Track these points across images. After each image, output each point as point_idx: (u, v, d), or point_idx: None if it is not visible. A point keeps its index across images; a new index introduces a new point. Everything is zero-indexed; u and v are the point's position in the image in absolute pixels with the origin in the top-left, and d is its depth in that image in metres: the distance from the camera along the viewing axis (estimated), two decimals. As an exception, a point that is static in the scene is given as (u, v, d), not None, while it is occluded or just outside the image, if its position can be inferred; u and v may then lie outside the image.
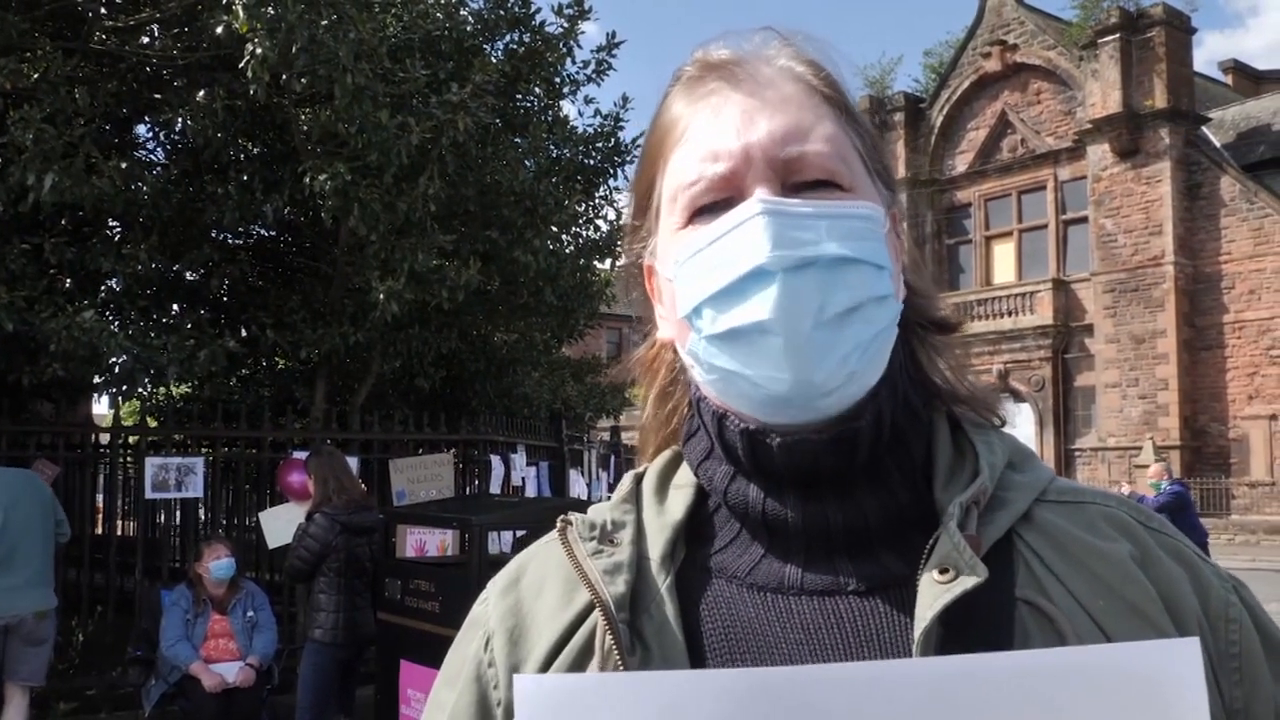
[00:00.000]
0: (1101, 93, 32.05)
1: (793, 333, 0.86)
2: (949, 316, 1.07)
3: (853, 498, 0.93)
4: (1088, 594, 0.88)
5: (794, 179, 0.93)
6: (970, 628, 0.83)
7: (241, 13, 7.62)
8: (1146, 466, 29.13)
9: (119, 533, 12.29)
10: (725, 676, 0.77)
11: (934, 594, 0.85)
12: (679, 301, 0.95)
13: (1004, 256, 36.21)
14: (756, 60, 0.99)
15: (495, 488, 10.98)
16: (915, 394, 0.99)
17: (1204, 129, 32.27)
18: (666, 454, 1.08)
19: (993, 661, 0.74)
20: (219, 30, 7.98)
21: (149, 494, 9.21)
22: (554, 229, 10.98)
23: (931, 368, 1.03)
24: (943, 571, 0.86)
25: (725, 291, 0.89)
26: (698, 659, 0.89)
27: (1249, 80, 42.31)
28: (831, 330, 0.87)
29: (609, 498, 1.06)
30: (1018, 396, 33.76)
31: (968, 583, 0.84)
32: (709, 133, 0.95)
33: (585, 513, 1.02)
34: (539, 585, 1.00)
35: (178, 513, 12.40)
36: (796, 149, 0.93)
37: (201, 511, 11.19)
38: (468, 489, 11.19)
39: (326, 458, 7.41)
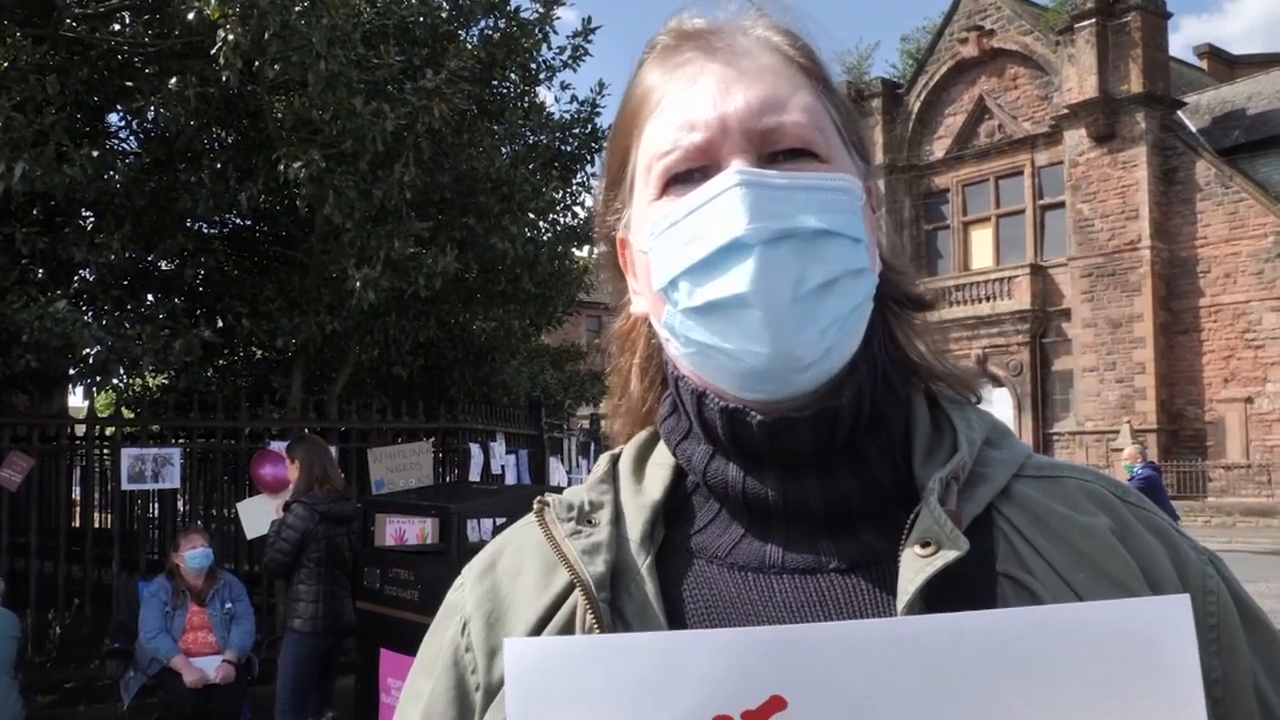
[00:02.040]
0: (1078, 78, 32.15)
1: (771, 305, 0.86)
2: (924, 293, 1.06)
3: (833, 476, 0.93)
4: (1068, 567, 0.88)
5: (771, 149, 0.92)
6: (952, 602, 0.82)
7: (213, -1, 7.56)
8: (1124, 450, 29.47)
9: (95, 525, 12.20)
10: (714, 636, 0.78)
11: (916, 567, 0.84)
12: (654, 274, 0.94)
13: (982, 242, 36.34)
14: (733, 29, 0.98)
15: (474, 476, 10.95)
16: (893, 371, 0.98)
17: (1180, 114, 32.43)
18: (643, 434, 1.07)
19: (977, 620, 0.74)
20: (190, 17, 7.91)
21: (125, 485, 9.14)
22: (531, 216, 10.95)
23: (908, 344, 1.02)
24: (924, 545, 0.85)
25: (702, 264, 0.88)
26: None
27: (1224, 65, 42.51)
28: (810, 303, 0.87)
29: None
30: (996, 381, 33.90)
31: (949, 555, 0.84)
32: (685, 102, 0.94)
33: (561, 494, 1.01)
34: (516, 568, 0.98)
35: (155, 504, 12.39)
36: (774, 119, 0.92)
37: (179, 503, 11.15)
38: (447, 477, 11.17)
39: (314, 446, 7.37)
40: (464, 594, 1.00)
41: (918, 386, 1.01)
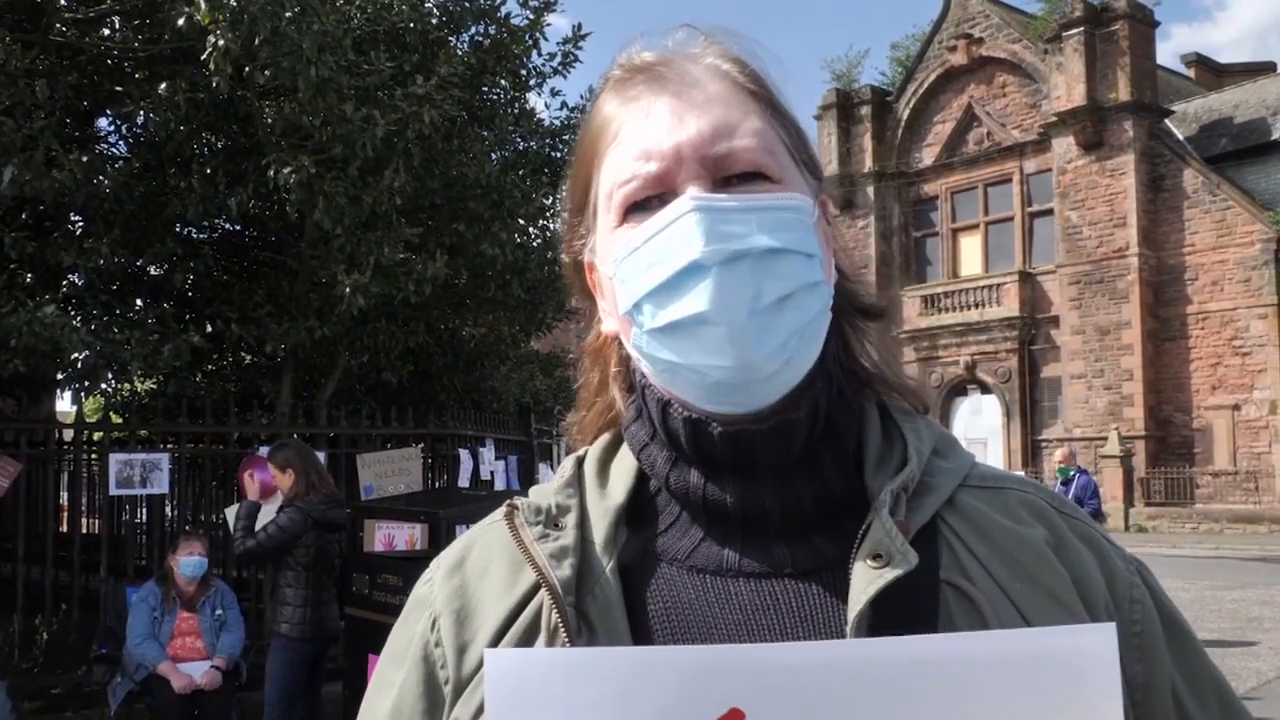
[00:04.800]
0: (1066, 86, 32.30)
1: (730, 322, 0.90)
2: (876, 303, 1.10)
3: (789, 484, 0.97)
4: (1006, 577, 0.93)
5: (724, 174, 0.96)
6: (897, 609, 0.87)
7: (203, 4, 7.56)
8: (1113, 457, 29.59)
9: (83, 530, 12.16)
10: (681, 653, 0.83)
11: (867, 579, 0.88)
12: (620, 298, 0.98)
13: (971, 249, 36.46)
14: (683, 59, 1.02)
15: (464, 482, 10.95)
16: (847, 382, 1.02)
17: (1167, 122, 32.60)
18: (606, 437, 1.11)
19: (922, 644, 0.79)
20: (180, 22, 7.91)
21: (113, 491, 9.12)
22: (521, 222, 10.96)
23: (862, 354, 1.06)
24: (875, 558, 0.89)
25: (663, 287, 0.92)
26: (642, 639, 0.92)
27: (1211, 73, 42.70)
28: (767, 317, 0.91)
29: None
30: (984, 388, 34.03)
31: (899, 570, 0.88)
32: (641, 133, 0.98)
33: (528, 496, 1.05)
34: (483, 567, 1.02)
35: (143, 510, 12.34)
36: (725, 145, 0.96)
37: (168, 508, 11.12)
38: (436, 483, 11.16)
39: (305, 451, 7.35)
40: (433, 589, 1.03)
41: (870, 397, 1.05)
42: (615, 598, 0.94)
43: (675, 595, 0.95)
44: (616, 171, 0.99)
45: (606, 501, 1.02)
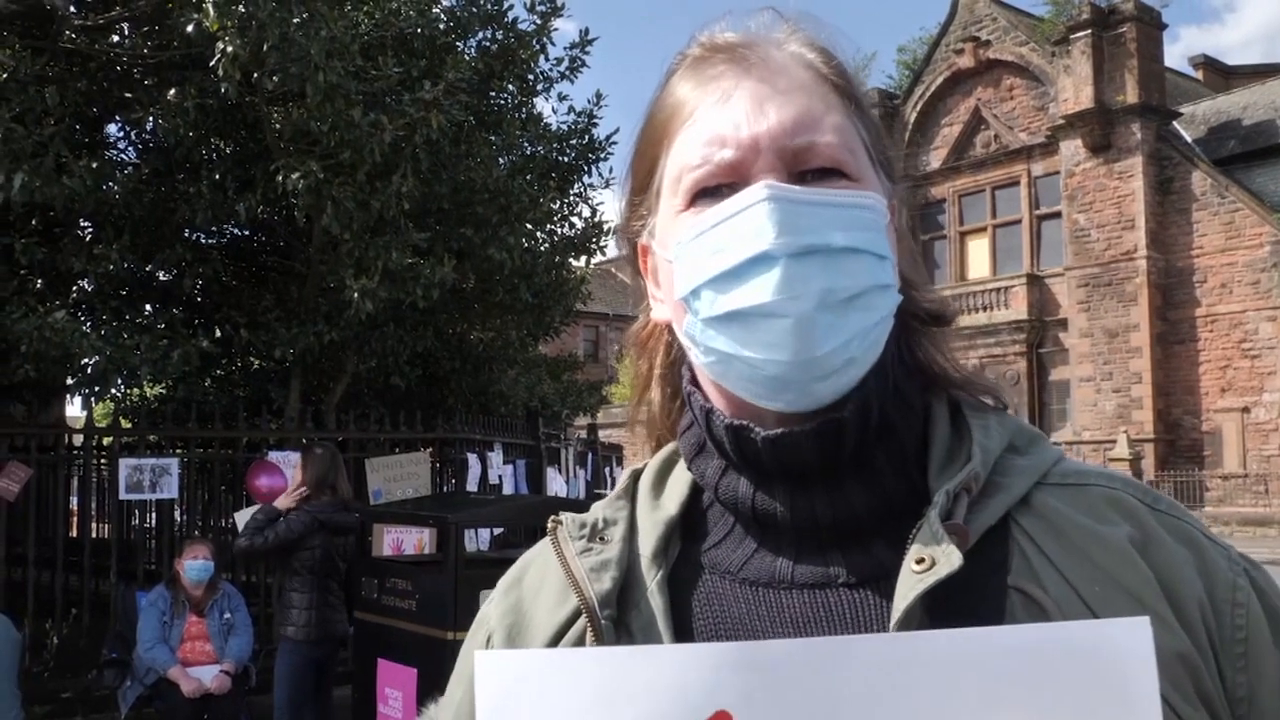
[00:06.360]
0: (1074, 88, 32.23)
1: (795, 314, 0.86)
2: (943, 308, 1.05)
3: (841, 490, 0.93)
4: (1084, 581, 0.86)
5: (801, 168, 0.92)
6: (957, 617, 0.81)
7: (212, 10, 7.59)
8: (1122, 460, 29.50)
9: (93, 535, 12.18)
10: (665, 651, 0.81)
11: (910, 583, 0.84)
12: (677, 283, 0.95)
13: (978, 252, 36.38)
14: (766, 43, 0.99)
15: (472, 486, 10.95)
16: (908, 382, 0.98)
17: (1175, 124, 32.50)
18: (667, 449, 1.08)
19: (941, 639, 0.75)
20: (189, 28, 7.95)
21: (123, 495, 9.13)
22: (529, 226, 10.98)
23: (928, 357, 1.02)
24: (919, 561, 0.85)
25: (726, 275, 0.89)
26: None
27: (1219, 75, 42.64)
28: (834, 314, 0.87)
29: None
30: (993, 391, 33.85)
31: (941, 572, 0.83)
32: (718, 117, 0.94)
33: (575, 512, 1.03)
34: (539, 584, 1.01)
35: (153, 514, 12.37)
36: (806, 139, 0.92)
37: (177, 513, 11.15)
38: (444, 487, 11.16)
39: (320, 454, 7.36)
40: (492, 607, 1.03)
41: (939, 395, 1.00)
42: (660, 611, 0.92)
43: (724, 609, 0.93)
44: (688, 154, 0.95)
45: (658, 513, 1.00)
